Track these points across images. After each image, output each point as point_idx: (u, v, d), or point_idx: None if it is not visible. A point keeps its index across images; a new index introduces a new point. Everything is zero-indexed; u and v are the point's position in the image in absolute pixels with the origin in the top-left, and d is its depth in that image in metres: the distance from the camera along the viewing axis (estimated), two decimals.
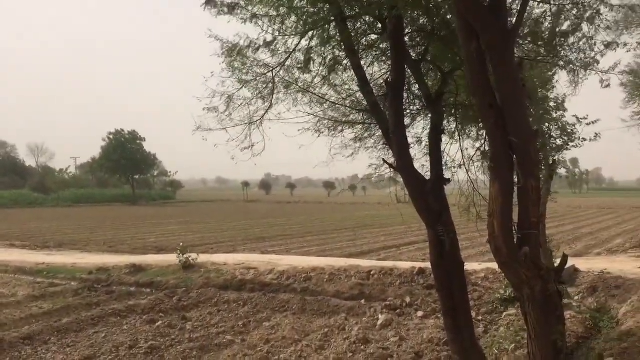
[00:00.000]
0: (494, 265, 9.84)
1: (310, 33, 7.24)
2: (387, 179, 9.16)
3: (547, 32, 6.79)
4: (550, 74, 9.35)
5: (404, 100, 7.63)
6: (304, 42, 7.47)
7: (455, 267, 7.31)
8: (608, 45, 6.68)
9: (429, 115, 7.77)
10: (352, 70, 7.64)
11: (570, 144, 12.31)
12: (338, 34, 7.27)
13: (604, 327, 9.66)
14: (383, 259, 20.39)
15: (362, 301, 13.34)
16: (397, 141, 7.18)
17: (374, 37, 7.85)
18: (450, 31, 6.68)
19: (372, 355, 9.38)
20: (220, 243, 27.92)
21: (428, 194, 7.15)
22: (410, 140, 7.75)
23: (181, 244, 19.02)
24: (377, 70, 8.30)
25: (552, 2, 6.63)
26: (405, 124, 7.74)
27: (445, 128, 7.99)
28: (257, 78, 7.81)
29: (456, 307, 7.32)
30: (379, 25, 7.39)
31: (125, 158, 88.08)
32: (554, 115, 11.99)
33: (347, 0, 6.94)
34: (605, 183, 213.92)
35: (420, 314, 12.10)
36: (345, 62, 7.82)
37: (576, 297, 11.89)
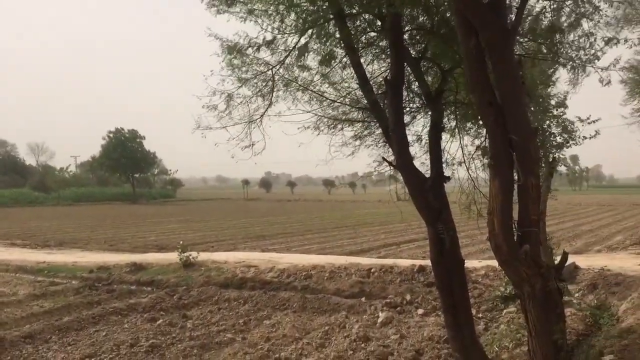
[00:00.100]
0: (494, 263, 9.85)
1: (309, 31, 7.24)
2: (387, 177, 9.16)
3: (546, 29, 6.78)
4: (550, 71, 9.35)
5: (403, 98, 7.63)
6: (303, 40, 7.47)
7: (455, 265, 7.31)
8: (608, 41, 6.67)
9: (429, 113, 7.76)
10: (352, 68, 7.63)
11: (571, 141, 12.30)
12: (337, 32, 7.27)
13: (604, 324, 9.66)
14: (383, 256, 20.41)
15: (363, 299, 13.35)
16: (396, 139, 7.18)
17: (373, 34, 7.85)
18: (449, 29, 6.68)
19: (372, 353, 9.39)
20: (221, 241, 27.94)
21: (428, 192, 7.15)
22: (410, 138, 7.75)
23: (181, 242, 19.05)
24: (377, 68, 8.30)
25: None
26: (405, 121, 7.74)
27: (445, 126, 7.99)
28: (257, 76, 7.81)
29: (456, 305, 7.32)
30: (378, 23, 7.38)
31: (125, 156, 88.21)
32: (555, 112, 11.97)
33: None
34: (605, 180, 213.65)
35: (420, 311, 12.11)
36: (344, 59, 7.82)
37: (576, 295, 11.90)
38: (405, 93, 7.79)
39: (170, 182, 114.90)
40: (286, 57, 7.63)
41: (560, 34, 6.77)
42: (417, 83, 7.84)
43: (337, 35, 7.33)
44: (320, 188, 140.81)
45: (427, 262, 12.31)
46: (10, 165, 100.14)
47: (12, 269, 19.00)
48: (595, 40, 6.65)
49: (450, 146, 8.00)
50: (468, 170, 7.98)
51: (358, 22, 7.61)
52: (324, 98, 8.25)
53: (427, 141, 7.72)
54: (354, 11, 7.27)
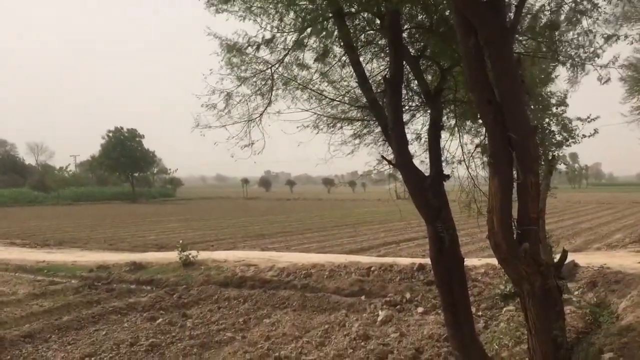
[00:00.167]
0: (494, 261, 9.85)
1: (308, 29, 7.24)
2: (387, 176, 9.16)
3: (546, 27, 6.77)
4: (550, 68, 9.35)
5: (402, 97, 7.63)
6: (301, 40, 7.46)
7: (454, 263, 7.31)
8: (608, 39, 6.67)
9: (428, 112, 7.76)
10: (351, 67, 7.63)
11: (570, 140, 12.30)
12: (336, 30, 7.26)
13: (603, 322, 9.67)
14: (383, 255, 20.43)
15: (362, 297, 13.35)
16: (395, 137, 7.18)
17: (372, 33, 7.85)
18: (448, 27, 6.67)
19: (372, 352, 9.39)
20: (220, 240, 27.94)
21: (427, 190, 7.15)
22: (409, 136, 7.75)
23: (181, 241, 19.05)
24: (376, 67, 8.30)
25: None
26: (405, 120, 7.74)
27: (445, 124, 7.99)
28: (256, 75, 7.80)
29: (456, 303, 7.33)
30: (377, 21, 7.38)
31: (124, 156, 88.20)
32: (554, 111, 11.97)
33: None
34: (605, 178, 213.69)
35: (420, 309, 12.11)
36: (344, 58, 7.82)
37: (576, 292, 11.91)
38: (404, 91, 7.79)
39: (170, 181, 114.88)
40: (285, 55, 7.62)
41: (559, 32, 6.77)
42: (416, 81, 7.84)
43: (336, 34, 7.33)
44: (320, 187, 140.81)
45: (427, 261, 12.31)
46: (9, 164, 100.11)
47: (12, 269, 19.00)
48: (594, 37, 6.65)
49: (450, 145, 8.01)
50: (468, 169, 7.99)
51: (357, 21, 7.60)
52: (323, 97, 8.25)
53: (427, 140, 7.72)
54: (353, 9, 7.26)
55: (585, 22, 6.60)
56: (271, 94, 7.94)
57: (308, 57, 7.83)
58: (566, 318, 7.20)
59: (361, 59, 7.67)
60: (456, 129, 8.18)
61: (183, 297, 14.01)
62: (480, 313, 11.51)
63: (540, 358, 5.72)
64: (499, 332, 9.77)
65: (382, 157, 7.83)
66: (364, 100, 7.81)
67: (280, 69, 7.84)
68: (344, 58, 7.81)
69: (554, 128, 12.23)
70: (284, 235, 30.34)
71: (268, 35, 7.34)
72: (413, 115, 8.35)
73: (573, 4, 6.42)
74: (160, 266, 17.32)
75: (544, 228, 12.24)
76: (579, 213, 46.56)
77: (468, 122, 8.36)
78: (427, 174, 7.37)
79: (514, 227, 5.56)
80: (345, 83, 8.29)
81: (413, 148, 7.87)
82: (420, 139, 8.19)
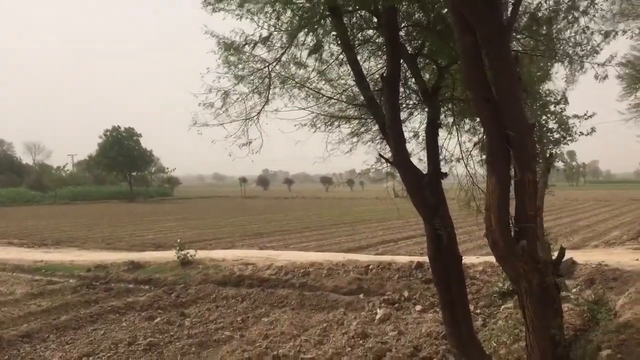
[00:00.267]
0: (492, 259, 9.87)
1: (305, 28, 7.23)
2: (385, 174, 9.16)
3: (543, 25, 6.77)
4: (548, 66, 9.34)
5: (400, 95, 7.62)
6: (300, 38, 7.46)
7: (452, 261, 7.32)
8: (606, 35, 6.68)
9: (426, 110, 7.76)
10: (348, 65, 7.62)
11: (568, 138, 12.31)
12: (334, 29, 7.25)
13: (601, 319, 9.68)
14: (381, 253, 20.44)
15: (361, 296, 13.36)
16: (393, 136, 7.18)
17: (370, 31, 7.84)
18: (445, 25, 6.67)
19: (370, 350, 9.39)
20: (218, 239, 27.94)
21: (425, 189, 7.15)
22: (407, 134, 7.77)
23: (179, 240, 19.03)
24: (374, 65, 8.30)
25: None
26: (402, 118, 7.74)
27: (442, 122, 7.99)
28: (253, 73, 7.79)
29: (454, 301, 7.34)
30: (375, 20, 7.37)
31: (122, 155, 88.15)
32: (552, 108, 11.97)
33: None
34: (602, 176, 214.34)
35: (418, 308, 12.12)
36: (341, 56, 7.81)
37: (574, 290, 11.92)
38: (402, 90, 7.79)
39: (168, 180, 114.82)
40: (282, 54, 7.61)
41: (556, 30, 6.77)
42: (413, 79, 7.83)
43: (333, 32, 7.32)
44: (318, 185, 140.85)
45: (425, 259, 12.32)
46: (7, 164, 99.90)
47: (9, 268, 18.96)
48: (592, 34, 6.66)
49: (448, 143, 8.01)
50: (466, 167, 7.99)
51: (354, 19, 7.59)
52: (321, 95, 8.25)
53: (424, 138, 7.72)
54: (350, 8, 7.25)
55: (582, 21, 6.60)
56: (268, 93, 7.94)
57: (305, 55, 7.82)
58: (564, 315, 7.22)
59: (358, 57, 7.66)
60: (454, 127, 8.19)
61: (181, 296, 14.00)
62: (478, 311, 11.53)
63: (538, 355, 5.73)
64: (497, 330, 9.78)
65: (380, 155, 7.83)
66: (362, 98, 7.80)
67: (277, 67, 7.84)
68: (341, 56, 7.80)
69: (551, 126, 12.24)
70: (282, 234, 30.34)
71: (265, 34, 7.34)
72: (411, 114, 8.35)
73: (570, 2, 6.42)
74: (158, 265, 17.30)
75: (542, 226, 12.25)
76: (577, 210, 46.65)
77: (466, 120, 8.36)
78: (425, 172, 7.37)
79: (511, 225, 5.56)
80: (343, 81, 8.29)
81: (411, 146, 7.89)
82: (418, 137, 8.20)
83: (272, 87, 7.93)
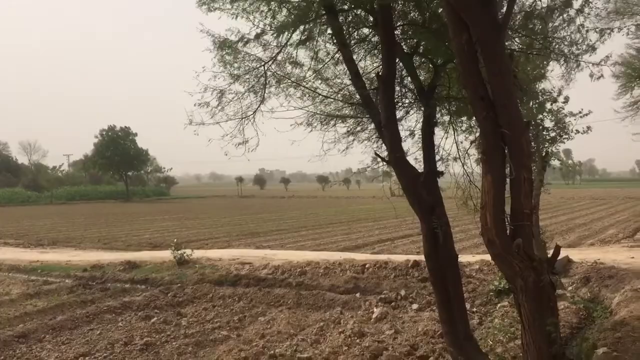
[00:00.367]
0: (488, 257, 9.87)
1: (302, 27, 7.23)
2: (381, 173, 9.16)
3: (538, 23, 6.79)
4: (543, 64, 9.36)
5: (396, 94, 7.63)
6: (295, 37, 7.46)
7: (449, 260, 7.32)
8: (601, 32, 6.69)
9: (422, 108, 7.76)
10: (344, 64, 7.62)
11: (564, 136, 12.34)
12: (330, 28, 7.25)
13: (597, 317, 9.72)
14: (378, 252, 20.45)
15: (357, 295, 13.37)
16: (389, 135, 7.18)
17: (365, 30, 7.84)
18: (441, 24, 6.67)
19: (367, 349, 9.39)
20: (215, 239, 27.89)
21: (421, 187, 7.15)
22: (403, 133, 7.76)
23: (175, 240, 18.99)
24: (370, 64, 8.31)
25: None
26: (398, 117, 7.75)
27: (438, 121, 8.00)
28: (249, 72, 7.79)
29: (451, 300, 7.34)
30: (370, 19, 7.37)
31: (118, 154, 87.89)
32: (549, 107, 11.99)
33: None
34: (598, 174, 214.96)
35: (415, 306, 12.14)
36: (337, 55, 7.82)
37: (570, 288, 11.97)
38: (398, 88, 7.80)
39: (164, 179, 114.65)
40: (278, 53, 7.62)
41: (551, 28, 6.78)
42: (409, 78, 7.84)
43: (329, 31, 7.33)
44: (315, 184, 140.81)
45: (422, 258, 12.28)
46: (2, 164, 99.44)
47: (5, 269, 18.86)
48: (587, 32, 6.67)
49: (445, 142, 8.02)
50: (463, 166, 8.00)
51: (350, 18, 7.60)
52: (317, 94, 8.25)
53: (420, 136, 7.72)
54: (345, 7, 7.26)
55: (578, 19, 6.62)
56: (264, 92, 7.94)
57: (301, 54, 7.83)
58: (560, 313, 7.23)
59: (354, 56, 7.67)
60: (450, 125, 8.20)
61: (178, 296, 13.98)
62: (474, 309, 11.55)
63: (534, 353, 5.73)
64: (494, 328, 9.79)
65: (376, 154, 7.84)
66: (357, 97, 7.80)
67: (273, 66, 7.84)
68: (337, 55, 7.81)
69: (548, 124, 12.27)
70: (279, 233, 30.31)
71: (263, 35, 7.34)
72: (407, 112, 8.36)
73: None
74: (155, 265, 17.28)
75: (538, 224, 12.29)
76: (573, 209, 46.77)
77: (463, 119, 8.37)
78: (421, 171, 7.38)
79: (507, 223, 5.56)
80: (339, 80, 8.29)
81: (407, 145, 7.89)
82: (414, 135, 8.20)
83: (268, 86, 7.93)
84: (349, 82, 7.94)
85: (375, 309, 11.90)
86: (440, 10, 6.72)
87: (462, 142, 8.18)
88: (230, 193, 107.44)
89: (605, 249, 19.14)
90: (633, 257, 15.12)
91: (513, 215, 5.59)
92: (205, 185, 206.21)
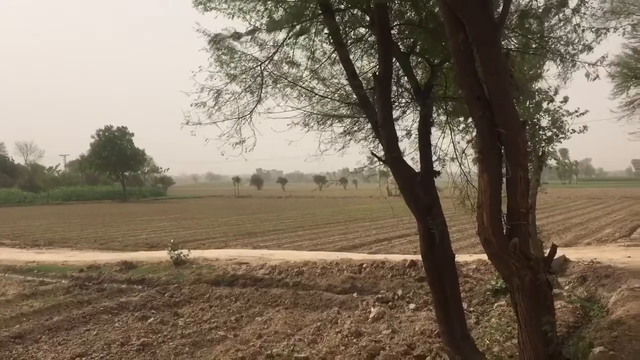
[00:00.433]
0: (485, 257, 9.88)
1: (298, 27, 7.22)
2: (378, 172, 9.16)
3: (534, 23, 6.79)
4: (539, 64, 9.37)
5: (393, 93, 7.63)
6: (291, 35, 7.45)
7: (446, 259, 7.33)
8: (597, 32, 6.70)
9: (418, 108, 7.76)
10: (341, 64, 7.62)
11: (560, 135, 12.35)
12: (326, 27, 7.25)
13: (594, 316, 9.72)
14: (375, 252, 20.45)
15: (354, 294, 13.37)
16: (385, 134, 7.18)
17: (362, 30, 7.84)
18: (437, 24, 6.68)
19: (364, 348, 9.39)
20: (212, 239, 27.86)
21: (418, 187, 7.15)
22: (399, 133, 7.76)
23: (172, 240, 18.96)
24: (366, 64, 8.30)
25: None
26: (395, 116, 7.75)
27: (435, 120, 8.00)
28: (246, 72, 7.78)
29: (447, 299, 7.35)
30: (367, 18, 7.37)
31: (114, 155, 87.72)
32: (546, 106, 12.00)
33: None
34: (595, 173, 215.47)
35: (412, 306, 12.14)
36: (334, 55, 7.81)
37: (566, 287, 11.98)
38: (394, 88, 7.79)
39: (161, 180, 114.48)
40: (274, 52, 7.61)
41: (547, 27, 6.79)
42: (406, 78, 7.83)
43: (326, 31, 7.33)
44: (312, 184, 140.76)
45: (419, 257, 12.29)
46: None
47: (1, 269, 18.82)
48: (583, 31, 6.68)
49: (442, 142, 8.02)
50: (460, 166, 8.00)
51: (346, 17, 7.59)
52: (313, 94, 8.24)
53: (417, 136, 7.72)
54: (342, 6, 7.25)
55: (574, 19, 6.63)
56: (261, 91, 7.93)
57: (298, 54, 7.82)
58: (557, 312, 7.24)
59: (351, 56, 7.66)
60: (447, 125, 8.20)
61: (174, 296, 13.96)
62: (471, 309, 11.56)
63: (530, 352, 5.74)
64: (490, 327, 9.80)
65: (372, 153, 7.83)
66: (354, 97, 7.80)
67: (269, 66, 7.83)
68: (333, 55, 7.80)
69: (544, 123, 12.27)
70: (276, 233, 30.30)
71: (257, 32, 7.32)
72: (403, 112, 8.35)
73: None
74: (152, 265, 17.25)
75: (534, 223, 12.29)
76: (570, 208, 46.86)
77: (460, 120, 8.37)
78: (418, 171, 7.37)
79: (503, 223, 5.57)
80: (336, 80, 8.29)
81: (404, 145, 7.88)
82: (411, 135, 8.20)
83: (264, 85, 7.92)
84: (345, 82, 7.93)
85: (372, 309, 11.91)
86: (436, 9, 6.72)
87: (459, 143, 8.18)
88: (228, 193, 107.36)
89: (601, 248, 19.17)
90: (629, 257, 15.16)
91: (509, 214, 5.59)
92: (202, 185, 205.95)
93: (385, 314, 11.56)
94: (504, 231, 5.56)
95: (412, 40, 7.64)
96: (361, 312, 11.95)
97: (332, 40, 7.48)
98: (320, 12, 7.03)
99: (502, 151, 5.50)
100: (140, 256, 19.53)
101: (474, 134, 7.46)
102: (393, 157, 7.19)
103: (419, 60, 7.98)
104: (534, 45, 7.26)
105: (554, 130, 12.35)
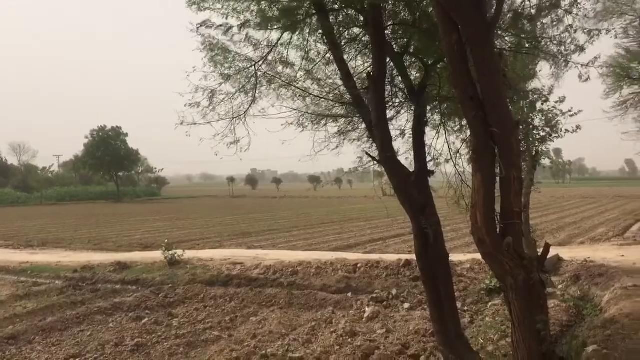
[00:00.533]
0: (479, 256, 9.92)
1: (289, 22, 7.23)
2: (373, 172, 9.17)
3: (527, 23, 6.82)
4: (532, 64, 9.40)
5: (387, 93, 7.64)
6: (286, 36, 7.46)
7: (440, 259, 7.34)
8: (590, 34, 6.74)
9: (412, 108, 7.78)
10: (335, 64, 7.63)
11: (554, 135, 12.40)
12: (320, 27, 7.26)
13: (587, 315, 9.76)
14: (369, 251, 20.47)
15: (349, 294, 13.38)
16: (379, 134, 7.19)
17: (356, 30, 7.85)
18: (431, 24, 6.70)
19: (359, 348, 9.39)
20: (207, 239, 27.80)
21: (412, 187, 7.17)
22: (393, 133, 7.78)
23: (166, 240, 18.92)
24: (360, 64, 8.32)
25: None
26: (389, 116, 7.77)
27: (429, 120, 8.02)
28: (240, 72, 7.78)
29: (442, 298, 7.37)
30: (361, 18, 7.38)
31: (108, 155, 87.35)
32: (540, 106, 12.04)
33: None
34: (588, 173, 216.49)
35: (406, 305, 12.16)
36: (328, 55, 7.82)
37: (560, 286, 12.02)
38: (388, 88, 7.81)
39: (155, 180, 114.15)
40: (269, 53, 7.61)
41: (540, 28, 6.82)
42: (400, 78, 7.85)
43: (320, 31, 7.33)
44: (307, 184, 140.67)
45: (413, 257, 12.31)
46: None
47: None
48: (575, 32, 6.72)
49: (436, 141, 8.04)
50: (455, 166, 8.02)
51: (340, 18, 7.60)
52: (308, 94, 8.24)
53: (411, 136, 7.74)
54: (336, 6, 7.26)
55: (566, 19, 6.66)
56: (255, 92, 7.93)
57: (292, 54, 7.83)
58: (550, 311, 7.27)
59: (345, 56, 7.67)
60: (442, 125, 8.22)
61: (169, 297, 13.93)
62: (466, 308, 11.59)
63: (524, 351, 5.76)
64: (485, 327, 9.83)
65: (366, 153, 7.85)
66: (348, 97, 7.81)
67: (264, 66, 7.83)
68: (327, 55, 7.81)
69: (537, 123, 12.31)
70: (271, 233, 30.27)
71: (251, 33, 7.33)
72: (397, 112, 8.37)
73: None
74: (146, 266, 17.21)
75: (528, 223, 12.34)
76: (563, 208, 47.05)
77: (456, 120, 8.39)
78: (412, 170, 7.39)
79: (497, 222, 5.59)
80: (330, 80, 8.29)
81: (398, 144, 7.91)
82: (405, 135, 8.22)
83: (258, 86, 7.92)
84: (340, 82, 7.94)
85: (367, 309, 11.92)
86: (430, 10, 6.74)
87: (453, 143, 8.21)
88: (222, 193, 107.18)
89: (595, 247, 19.27)
90: (623, 255, 15.24)
91: (503, 214, 5.61)
92: (197, 186, 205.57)
93: (379, 314, 11.58)
94: (498, 230, 5.58)
95: (406, 40, 7.66)
96: (356, 311, 11.96)
97: (326, 40, 7.48)
98: (314, 12, 7.03)
99: (496, 151, 5.52)
100: (135, 256, 19.48)
101: (468, 133, 7.49)
102: (387, 156, 7.21)
103: (413, 60, 8.00)
104: (527, 46, 7.30)
105: (548, 129, 12.40)
